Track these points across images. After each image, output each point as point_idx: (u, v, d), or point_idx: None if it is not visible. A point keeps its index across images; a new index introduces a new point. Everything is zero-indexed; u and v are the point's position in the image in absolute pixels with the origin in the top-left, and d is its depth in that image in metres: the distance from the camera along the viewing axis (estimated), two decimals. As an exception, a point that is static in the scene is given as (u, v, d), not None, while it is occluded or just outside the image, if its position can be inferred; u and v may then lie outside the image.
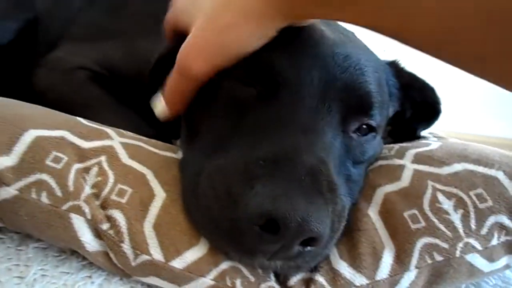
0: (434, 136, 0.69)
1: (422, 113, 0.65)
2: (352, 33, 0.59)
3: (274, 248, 0.39)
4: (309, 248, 0.40)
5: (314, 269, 0.45)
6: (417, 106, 0.65)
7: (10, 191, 0.42)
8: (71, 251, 0.47)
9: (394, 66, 0.63)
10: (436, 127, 0.68)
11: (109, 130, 0.51)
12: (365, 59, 0.53)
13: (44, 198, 0.43)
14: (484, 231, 0.46)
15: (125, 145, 0.49)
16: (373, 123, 0.52)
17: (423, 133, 0.69)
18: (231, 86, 0.50)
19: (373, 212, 0.48)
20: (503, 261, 0.47)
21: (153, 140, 0.54)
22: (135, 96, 0.69)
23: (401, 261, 0.45)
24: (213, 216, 0.41)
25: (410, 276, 0.45)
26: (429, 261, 0.45)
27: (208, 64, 0.47)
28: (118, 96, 0.71)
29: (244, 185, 0.40)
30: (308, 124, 0.46)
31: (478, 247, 0.46)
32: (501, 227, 0.46)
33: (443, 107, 0.64)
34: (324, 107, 0.48)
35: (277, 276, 0.45)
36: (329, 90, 0.48)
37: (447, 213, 0.47)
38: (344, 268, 0.45)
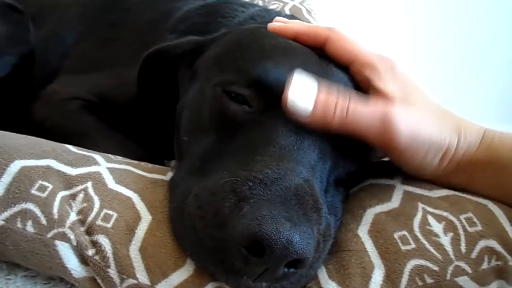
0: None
1: None
2: None
3: (259, 270, 0.39)
4: (294, 270, 0.40)
5: None
6: None
7: (-4, 222, 0.42)
8: (60, 278, 0.46)
9: None
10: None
11: (97, 156, 0.51)
12: None
13: (29, 227, 0.43)
14: (474, 254, 0.45)
15: (112, 170, 0.49)
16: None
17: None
18: (223, 102, 0.50)
19: (363, 232, 0.48)
20: (493, 286, 0.45)
21: (143, 163, 0.55)
22: (126, 122, 0.71)
23: (391, 282, 0.44)
24: (200, 236, 0.41)
25: (400, 297, 0.44)
26: (420, 283, 0.44)
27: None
28: (110, 123, 0.73)
29: (232, 206, 0.40)
30: (296, 143, 0.46)
31: (469, 270, 0.45)
32: (491, 251, 0.45)
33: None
34: None
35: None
36: None
37: (437, 235, 0.46)
38: (333, 288, 0.44)
